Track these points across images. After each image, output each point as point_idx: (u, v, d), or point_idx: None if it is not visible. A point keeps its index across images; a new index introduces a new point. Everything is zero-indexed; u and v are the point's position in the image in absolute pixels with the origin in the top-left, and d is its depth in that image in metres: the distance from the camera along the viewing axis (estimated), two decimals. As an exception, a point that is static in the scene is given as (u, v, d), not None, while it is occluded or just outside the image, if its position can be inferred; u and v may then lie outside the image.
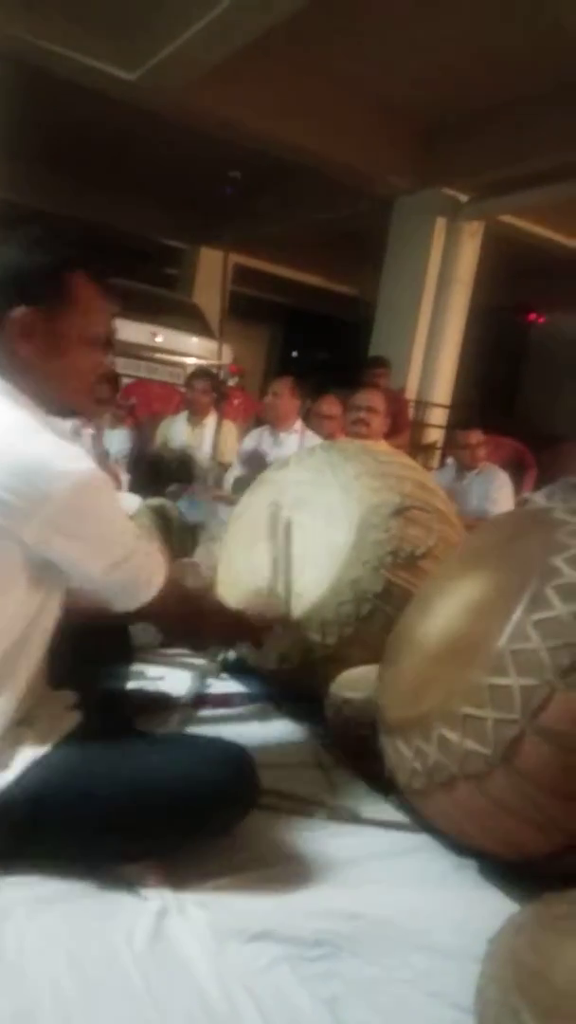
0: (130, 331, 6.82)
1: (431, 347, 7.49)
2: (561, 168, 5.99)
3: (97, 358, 1.34)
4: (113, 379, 4.75)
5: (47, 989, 1.01)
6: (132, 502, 3.54)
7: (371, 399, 3.79)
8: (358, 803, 1.61)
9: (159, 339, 7.11)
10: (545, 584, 1.32)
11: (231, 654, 2.27)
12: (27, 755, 1.22)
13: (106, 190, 9.23)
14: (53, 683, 1.38)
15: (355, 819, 1.55)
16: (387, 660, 1.70)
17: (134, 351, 6.87)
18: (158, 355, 7.09)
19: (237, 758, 1.37)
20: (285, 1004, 1.05)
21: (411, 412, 7.04)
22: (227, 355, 6.45)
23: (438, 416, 7.64)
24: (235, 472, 4.45)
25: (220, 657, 2.29)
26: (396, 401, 5.62)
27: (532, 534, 1.48)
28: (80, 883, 1.22)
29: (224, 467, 4.69)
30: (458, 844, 1.45)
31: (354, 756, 1.78)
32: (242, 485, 3.85)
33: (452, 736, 1.33)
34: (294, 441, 4.28)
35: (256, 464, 4.08)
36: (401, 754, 1.47)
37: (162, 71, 5.48)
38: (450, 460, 5.05)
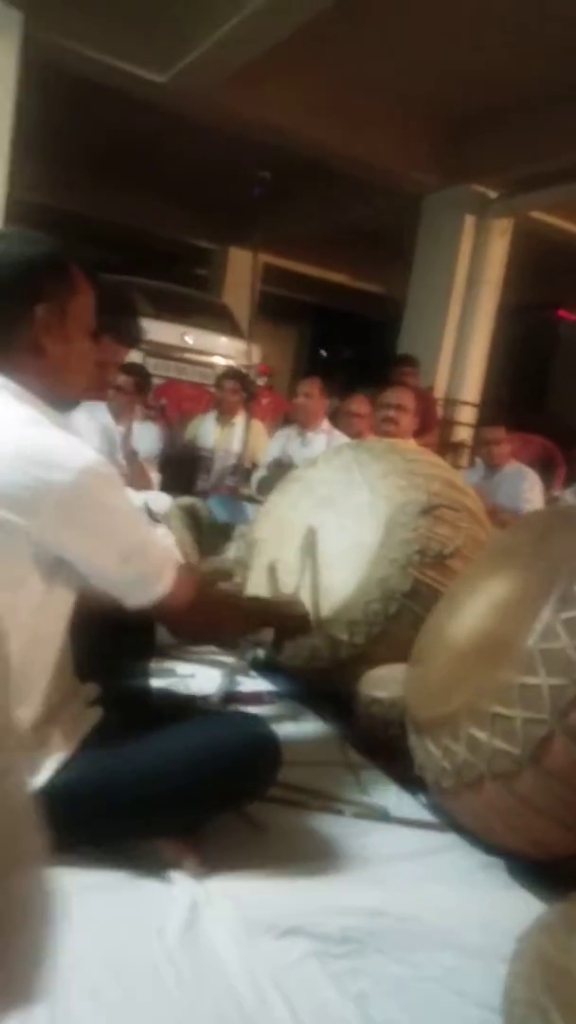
0: (160, 332, 6.88)
1: (460, 345, 7.45)
2: (591, 163, 5.93)
3: (91, 345, 1.37)
4: (143, 377, 4.80)
5: (79, 982, 1.03)
6: (163, 501, 3.57)
7: (400, 397, 3.77)
8: (387, 801, 1.61)
9: (189, 340, 7.15)
10: (574, 583, 1.31)
11: (260, 652, 2.28)
12: (54, 758, 1.23)
13: (136, 192, 9.31)
14: (79, 675, 1.40)
15: (383, 817, 1.55)
16: (416, 659, 1.70)
17: (164, 352, 6.93)
18: (188, 355, 7.13)
19: (257, 724, 1.41)
20: (314, 1000, 1.06)
21: (440, 410, 7.00)
22: (256, 355, 6.47)
23: (467, 414, 7.60)
24: (260, 473, 4.47)
25: (250, 655, 2.30)
26: (424, 399, 5.58)
27: (562, 533, 1.48)
28: (110, 876, 1.23)
29: (253, 467, 4.72)
30: (486, 843, 1.44)
31: (383, 755, 1.78)
32: (267, 485, 3.87)
33: (481, 735, 1.33)
34: (322, 440, 4.29)
35: (282, 467, 4.10)
36: (430, 753, 1.47)
37: (192, 73, 5.52)
38: (479, 459, 5.02)
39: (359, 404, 4.51)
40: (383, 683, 1.87)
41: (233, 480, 4.71)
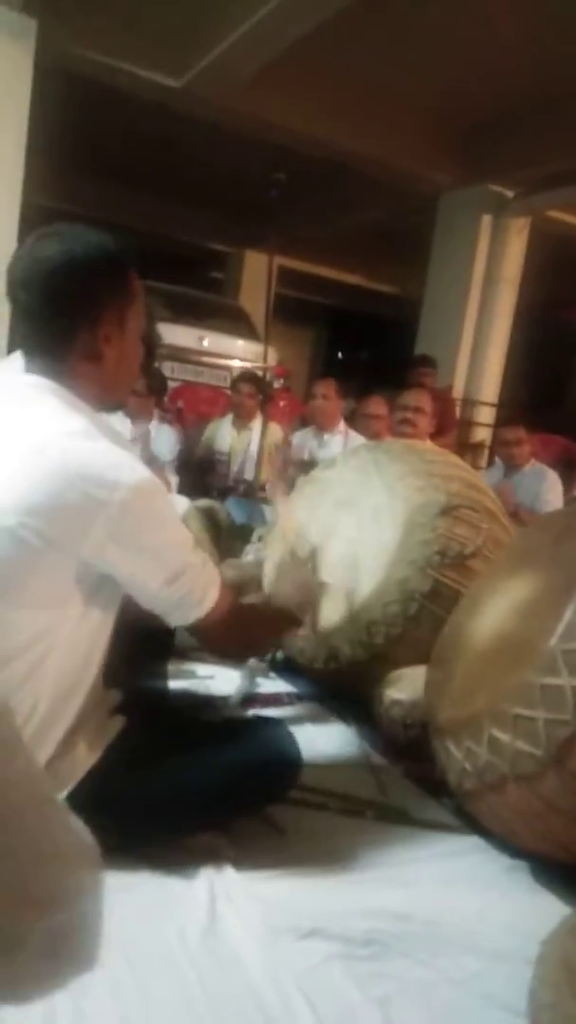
0: (177, 335, 6.89)
1: (478, 345, 7.41)
2: (609, 162, 5.88)
3: (140, 348, 1.36)
4: (160, 381, 4.80)
5: (103, 985, 1.03)
6: (180, 504, 3.58)
7: (418, 399, 3.76)
8: (408, 804, 1.60)
9: (206, 343, 7.16)
10: (597, 583, 1.30)
11: (279, 654, 2.28)
12: (79, 767, 1.24)
13: (152, 196, 9.36)
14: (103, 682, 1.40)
15: (405, 819, 1.54)
16: (436, 660, 1.69)
17: (181, 355, 6.94)
18: (205, 358, 7.14)
19: (280, 733, 1.41)
20: (337, 1002, 1.05)
21: (458, 411, 6.97)
22: (272, 357, 6.48)
23: (486, 415, 7.56)
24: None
25: (269, 657, 2.30)
26: (443, 400, 5.57)
27: (583, 532, 1.46)
28: (132, 876, 1.24)
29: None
30: (510, 846, 1.43)
31: (404, 757, 1.77)
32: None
33: (503, 737, 1.32)
34: (339, 442, 4.28)
35: (299, 468, 4.10)
36: (451, 755, 1.46)
37: (206, 77, 5.54)
38: (498, 460, 4.99)
39: (376, 406, 4.49)
40: (404, 684, 1.86)
41: (250, 483, 4.71)
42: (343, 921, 1.19)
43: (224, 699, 2.01)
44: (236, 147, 7.04)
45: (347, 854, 1.40)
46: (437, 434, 4.17)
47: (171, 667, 1.91)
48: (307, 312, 13.29)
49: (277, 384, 6.77)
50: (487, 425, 7.41)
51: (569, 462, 5.43)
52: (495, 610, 1.55)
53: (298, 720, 1.98)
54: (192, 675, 2.12)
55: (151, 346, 4.77)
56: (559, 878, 1.36)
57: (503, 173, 6.90)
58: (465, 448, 6.62)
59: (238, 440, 4.90)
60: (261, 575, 2.41)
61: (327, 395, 4.40)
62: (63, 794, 1.21)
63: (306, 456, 4.34)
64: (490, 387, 7.57)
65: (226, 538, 3.41)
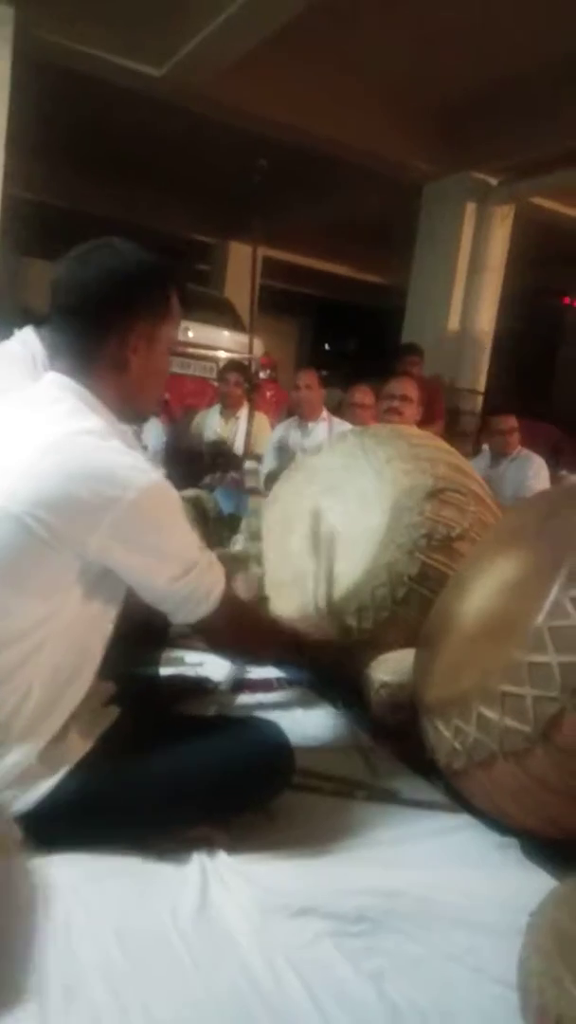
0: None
1: (464, 334, 7.42)
2: (593, 147, 5.89)
3: (168, 363, 1.41)
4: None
5: (95, 964, 1.03)
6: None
7: (403, 387, 3.76)
8: (398, 784, 1.61)
9: (191, 334, 7.14)
10: (583, 560, 1.30)
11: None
12: (71, 756, 1.24)
13: (135, 188, 9.29)
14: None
15: (396, 800, 1.55)
16: (424, 641, 1.69)
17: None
18: (191, 350, 7.12)
19: (273, 734, 1.41)
20: (329, 978, 1.06)
21: (445, 400, 6.98)
22: (258, 348, 6.46)
23: (473, 403, 7.57)
24: (265, 467, 4.47)
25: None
26: (430, 389, 5.57)
27: (568, 511, 1.47)
28: (125, 860, 1.24)
29: (257, 459, 4.71)
30: (500, 823, 1.44)
31: (394, 739, 1.78)
32: (273, 480, 3.86)
33: (491, 714, 1.33)
34: (323, 430, 4.29)
35: (285, 458, 4.10)
36: (440, 734, 1.46)
37: (187, 66, 5.51)
38: (485, 447, 5.01)
39: (363, 395, 4.50)
40: (393, 667, 1.86)
41: (239, 473, 4.70)
42: (334, 899, 1.19)
43: (215, 685, 2.01)
44: (219, 137, 7.00)
45: (338, 834, 1.40)
46: (425, 422, 4.17)
47: (161, 655, 1.92)
48: (293, 303, 13.27)
49: (264, 375, 6.76)
50: (473, 414, 7.42)
51: (555, 448, 5.47)
52: (482, 590, 1.55)
53: (288, 705, 1.99)
54: (181, 662, 2.12)
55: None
56: (549, 854, 1.37)
57: (487, 160, 6.90)
58: (453, 436, 6.63)
59: (226, 430, 4.90)
60: (247, 563, 2.41)
61: (310, 385, 4.41)
62: (54, 781, 1.21)
63: (291, 445, 4.35)
64: (476, 375, 7.58)
65: (214, 528, 3.40)
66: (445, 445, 2.29)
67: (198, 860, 1.26)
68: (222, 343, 7.30)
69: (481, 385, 7.63)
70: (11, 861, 1.18)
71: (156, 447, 4.52)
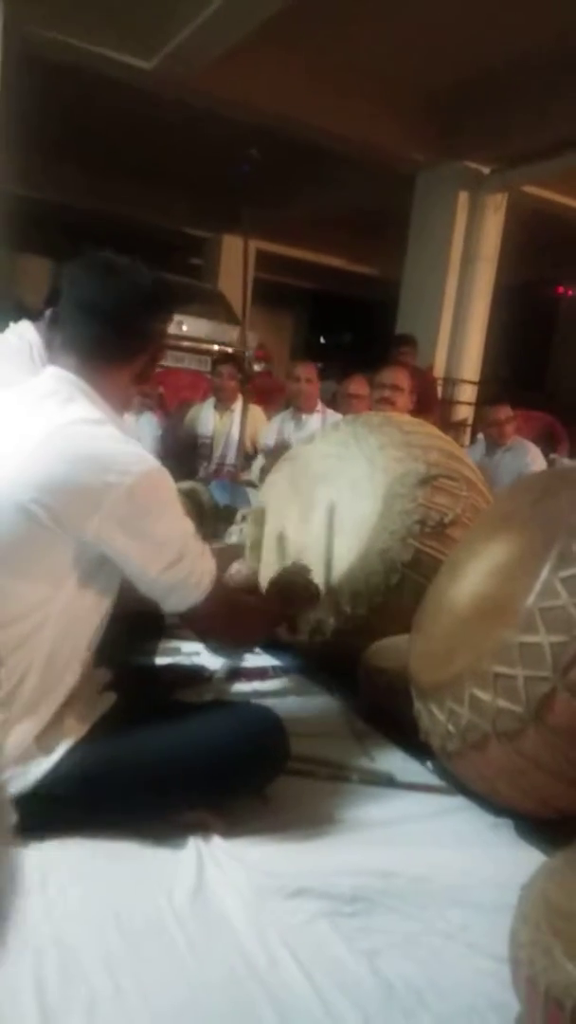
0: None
1: (458, 323, 7.42)
2: (584, 134, 5.88)
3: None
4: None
5: (91, 946, 1.04)
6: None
7: (395, 377, 3.75)
8: (393, 768, 1.62)
9: (185, 328, 7.13)
10: (573, 541, 1.31)
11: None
12: (68, 738, 1.26)
13: (127, 182, 9.25)
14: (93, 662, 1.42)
15: (390, 783, 1.56)
16: (418, 626, 1.70)
17: (160, 340, 6.90)
18: (185, 343, 7.11)
19: (267, 720, 1.42)
20: (325, 957, 1.07)
21: (440, 390, 6.98)
22: (252, 341, 6.45)
23: (467, 393, 7.58)
24: (260, 462, 4.47)
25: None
26: (423, 379, 5.59)
27: (559, 493, 1.47)
28: (120, 843, 1.25)
29: (253, 452, 4.71)
30: (494, 804, 1.45)
31: (389, 725, 1.79)
32: (266, 471, 3.87)
33: (484, 696, 1.34)
34: (316, 421, 4.29)
35: (281, 452, 4.11)
36: (435, 717, 1.47)
37: (178, 58, 5.49)
38: (480, 437, 5.01)
39: (357, 385, 4.50)
40: (387, 653, 1.87)
41: (233, 466, 4.70)
42: (329, 880, 1.20)
43: (211, 673, 2.02)
44: (211, 130, 6.97)
45: (333, 817, 1.42)
46: (418, 412, 4.18)
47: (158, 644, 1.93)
48: (287, 296, 13.26)
49: (258, 367, 6.76)
50: (468, 403, 7.43)
51: (550, 437, 5.47)
52: (474, 573, 1.56)
53: (283, 692, 2.00)
54: (178, 651, 2.12)
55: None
56: (541, 833, 1.39)
57: (479, 149, 6.88)
58: (447, 426, 6.63)
59: (220, 423, 4.89)
60: (244, 554, 2.42)
61: (310, 378, 4.41)
62: (50, 763, 1.22)
63: (285, 437, 4.35)
64: (471, 365, 7.58)
65: (209, 520, 3.41)
66: (437, 432, 2.30)
67: (194, 844, 1.27)
68: (216, 336, 7.29)
69: (475, 375, 7.63)
70: (6, 844, 1.19)
71: (151, 440, 4.51)
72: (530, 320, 10.64)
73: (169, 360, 6.93)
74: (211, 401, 5.03)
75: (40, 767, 1.22)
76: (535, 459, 4.48)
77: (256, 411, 4.98)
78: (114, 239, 1.42)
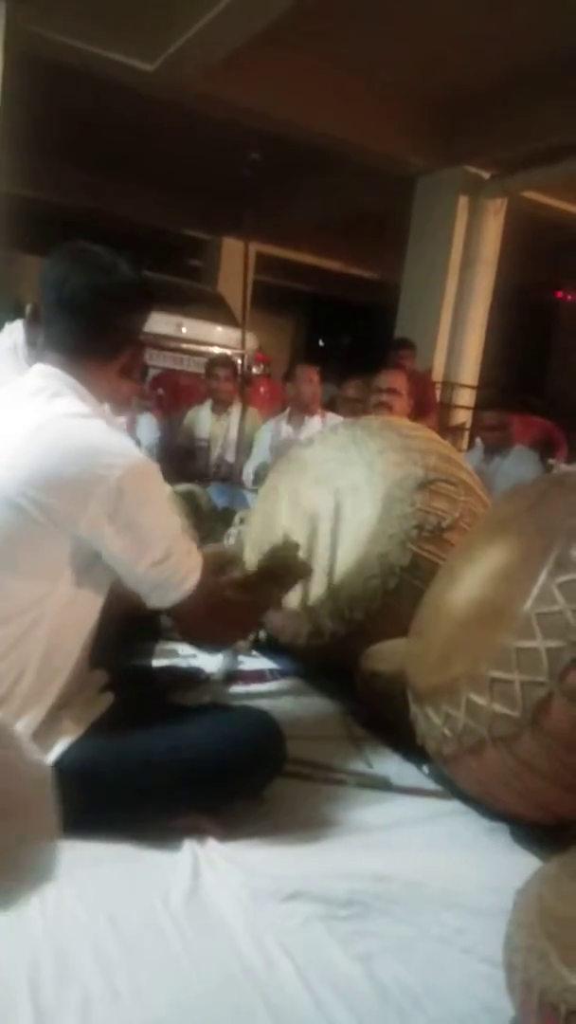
0: (156, 322, 6.85)
1: (457, 328, 7.42)
2: (584, 141, 5.89)
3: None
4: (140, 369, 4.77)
5: (87, 948, 1.04)
6: (161, 489, 3.57)
7: (392, 380, 3.76)
8: (389, 772, 1.62)
9: (184, 330, 7.13)
10: (570, 546, 1.32)
11: (262, 633, 2.29)
12: (64, 739, 1.26)
13: (128, 183, 9.28)
14: (90, 662, 1.42)
15: (387, 787, 1.56)
16: (415, 630, 1.71)
17: (160, 342, 6.90)
18: (184, 345, 7.11)
19: (264, 723, 1.42)
20: (320, 960, 1.07)
21: (438, 393, 6.99)
22: (252, 343, 6.45)
23: (466, 397, 7.58)
24: (253, 464, 4.47)
25: (251, 635, 2.31)
26: (422, 382, 5.59)
27: (557, 498, 1.48)
28: (116, 845, 1.25)
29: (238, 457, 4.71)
30: (490, 808, 1.45)
31: (386, 728, 1.79)
32: (263, 474, 3.87)
33: (480, 700, 1.34)
34: (315, 424, 4.30)
35: (276, 452, 4.12)
36: (431, 721, 1.48)
37: (180, 60, 5.49)
38: (479, 441, 5.02)
39: (356, 389, 4.52)
40: (384, 657, 1.88)
41: (231, 468, 4.71)
42: (324, 883, 1.20)
43: (208, 676, 2.02)
44: (211, 132, 6.99)
45: (329, 820, 1.42)
46: (417, 416, 4.18)
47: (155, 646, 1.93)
48: (287, 299, 13.27)
49: (257, 370, 6.75)
50: (467, 408, 7.43)
51: (548, 442, 5.47)
52: (472, 577, 1.56)
53: (281, 695, 2.00)
54: (175, 654, 2.12)
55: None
56: (537, 838, 1.39)
57: (479, 154, 6.90)
58: (446, 431, 6.64)
59: (217, 426, 4.89)
60: (242, 557, 2.42)
61: (313, 380, 4.42)
62: (48, 763, 1.23)
63: (284, 439, 4.36)
64: (470, 369, 7.59)
65: (207, 522, 3.41)
66: (436, 436, 2.31)
67: (189, 846, 1.27)
68: (215, 338, 7.28)
69: (474, 379, 7.64)
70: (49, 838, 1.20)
71: (149, 442, 4.52)
72: (529, 324, 10.65)
73: (168, 362, 6.93)
74: (209, 403, 5.03)
75: None
76: (532, 466, 4.48)
77: (254, 415, 4.98)
78: (114, 240, 1.42)
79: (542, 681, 1.26)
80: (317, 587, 2.02)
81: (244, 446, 4.62)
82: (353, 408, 4.42)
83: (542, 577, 1.32)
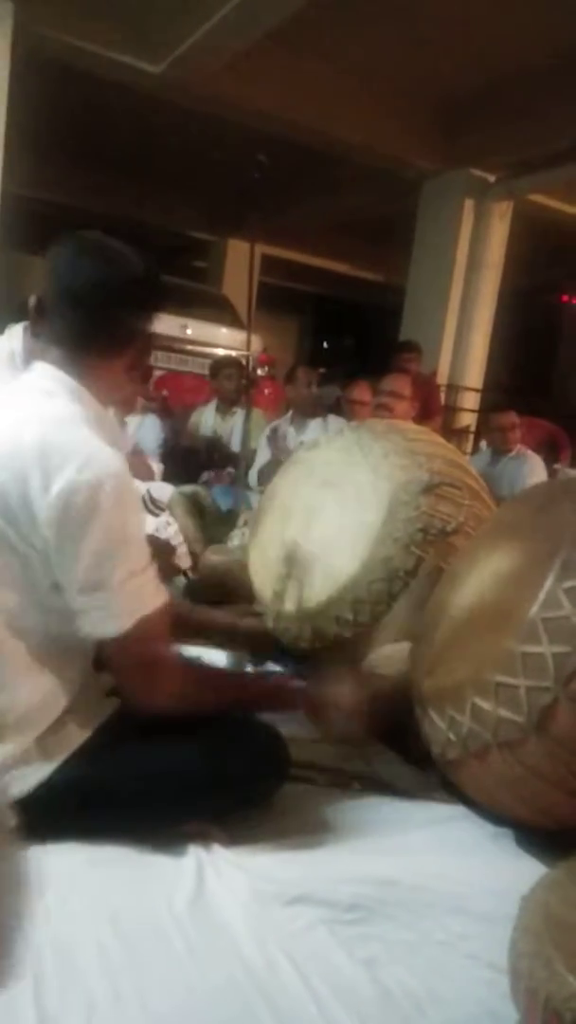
0: (161, 324, 6.82)
1: (462, 330, 7.42)
2: (591, 144, 5.89)
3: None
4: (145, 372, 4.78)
5: (91, 952, 1.04)
6: (165, 490, 3.58)
7: (395, 384, 3.75)
8: (394, 776, 1.62)
9: (189, 331, 7.13)
10: (576, 551, 1.32)
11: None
12: (70, 744, 1.25)
13: (134, 185, 9.27)
14: (95, 666, 1.41)
15: (391, 791, 1.56)
16: (420, 634, 1.70)
17: (165, 343, 6.91)
18: (189, 347, 7.11)
19: (268, 736, 1.40)
20: (324, 964, 1.07)
21: (443, 396, 6.98)
22: (257, 345, 6.45)
23: (471, 400, 7.58)
24: (257, 465, 4.47)
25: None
26: (426, 385, 5.58)
27: (563, 503, 1.48)
28: (120, 849, 1.25)
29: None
30: (494, 813, 1.45)
31: (390, 733, 1.79)
32: (266, 475, 3.87)
33: (485, 705, 1.34)
34: (318, 426, 4.30)
35: (278, 452, 4.12)
36: (435, 725, 1.48)
37: (186, 62, 5.50)
38: (484, 445, 5.02)
39: (361, 391, 4.51)
40: (389, 661, 1.87)
41: (235, 470, 4.71)
42: (328, 887, 1.20)
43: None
44: (217, 134, 6.99)
45: (333, 825, 1.42)
46: (422, 419, 4.18)
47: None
48: (292, 300, 13.26)
49: (262, 372, 6.75)
50: (472, 411, 7.43)
51: (553, 445, 5.47)
52: (477, 582, 1.56)
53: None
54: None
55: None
56: (542, 843, 1.38)
57: (485, 157, 6.90)
58: (451, 433, 6.63)
59: (222, 426, 4.89)
60: (245, 559, 2.42)
61: (312, 382, 4.43)
62: (51, 768, 1.22)
63: (288, 443, 4.36)
64: (475, 372, 7.58)
65: (211, 524, 3.42)
66: (441, 440, 2.30)
67: (193, 850, 1.27)
68: (220, 340, 7.29)
69: (479, 382, 7.64)
70: (6, 848, 1.19)
71: (154, 444, 4.52)
72: (534, 328, 10.63)
73: (173, 363, 6.94)
74: (214, 404, 5.04)
75: (41, 771, 1.22)
76: (538, 470, 4.49)
77: (258, 416, 4.98)
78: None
79: (548, 686, 1.26)
80: (321, 590, 2.02)
81: (248, 448, 4.62)
82: (358, 411, 4.42)
83: (548, 582, 1.31)
